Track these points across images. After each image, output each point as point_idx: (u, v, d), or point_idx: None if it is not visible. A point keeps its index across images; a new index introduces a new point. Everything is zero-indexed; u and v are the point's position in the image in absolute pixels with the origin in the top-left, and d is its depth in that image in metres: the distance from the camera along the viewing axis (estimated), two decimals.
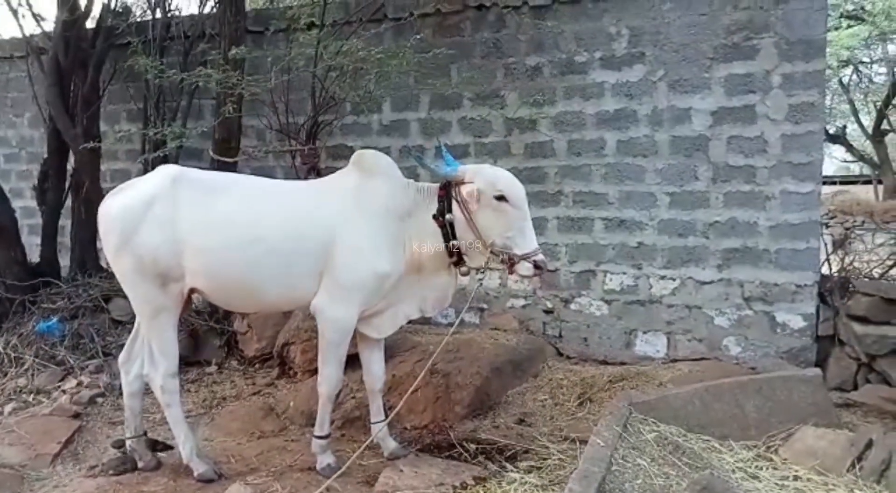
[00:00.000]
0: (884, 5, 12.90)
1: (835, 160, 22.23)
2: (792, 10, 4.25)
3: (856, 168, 21.32)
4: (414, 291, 3.23)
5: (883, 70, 14.63)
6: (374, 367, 3.32)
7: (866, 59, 14.51)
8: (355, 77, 4.35)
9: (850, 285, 4.35)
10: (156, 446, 3.28)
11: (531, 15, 4.80)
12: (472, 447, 3.54)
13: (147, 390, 3.18)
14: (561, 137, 4.91)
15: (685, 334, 4.69)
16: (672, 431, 3.26)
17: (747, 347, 4.53)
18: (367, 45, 4.08)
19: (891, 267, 4.61)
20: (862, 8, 12.74)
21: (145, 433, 3.26)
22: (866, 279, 4.33)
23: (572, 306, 5.00)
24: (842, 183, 19.08)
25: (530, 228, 2.95)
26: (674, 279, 4.69)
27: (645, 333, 4.80)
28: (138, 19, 5.76)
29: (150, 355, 3.05)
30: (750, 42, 4.36)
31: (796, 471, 2.94)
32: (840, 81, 15.90)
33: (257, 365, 4.53)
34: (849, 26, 13.41)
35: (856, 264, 4.73)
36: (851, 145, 17.08)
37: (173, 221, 2.90)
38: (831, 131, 17.00)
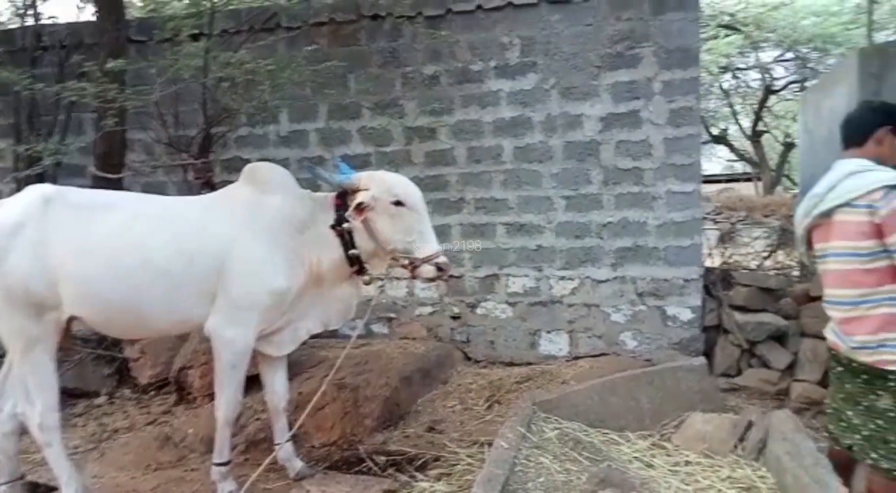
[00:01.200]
0: (755, 16, 14.02)
1: (721, 160, 23.86)
2: (668, 20, 4.53)
3: (740, 167, 23.00)
4: (316, 304, 3.17)
5: (757, 75, 15.85)
6: (277, 386, 3.23)
7: (742, 66, 15.65)
8: (247, 88, 4.22)
9: (731, 278, 4.68)
10: (36, 489, 3.03)
11: (426, 24, 4.85)
12: (382, 459, 3.52)
13: (24, 430, 2.94)
14: (460, 144, 4.98)
15: (585, 331, 4.88)
16: (574, 427, 3.38)
17: (642, 340, 4.77)
18: (259, 56, 3.98)
19: (765, 259, 4.99)
20: (732, 16, 13.75)
21: (22, 476, 3.01)
22: (745, 271, 4.66)
23: (478, 311, 5.08)
24: (727, 181, 20.52)
25: (430, 231, 2.95)
26: (572, 279, 4.87)
27: (548, 332, 4.95)
28: (6, 27, 5.34)
29: (24, 391, 2.81)
30: (632, 51, 4.61)
31: (687, 456, 3.12)
32: (721, 87, 17.09)
33: (153, 392, 4.28)
34: (726, 35, 14.47)
35: (736, 258, 5.09)
36: (733, 146, 18.36)
37: (46, 246, 2.70)
38: (715, 133, 18.28)
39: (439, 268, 2.89)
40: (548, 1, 4.66)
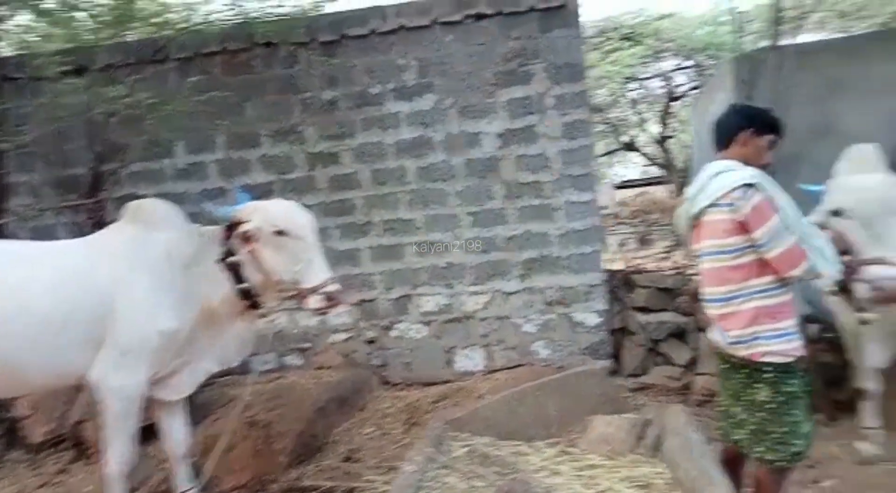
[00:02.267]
0: (653, 28, 14.75)
1: (637, 165, 24.84)
2: (555, 38, 4.71)
3: (655, 171, 24.02)
4: (212, 342, 3.08)
5: (661, 83, 16.63)
6: (175, 431, 3.10)
7: (646, 75, 16.38)
8: (134, 122, 4.09)
9: (633, 281, 4.87)
10: None
11: (321, 51, 4.85)
12: None
13: None
14: (364, 167, 4.99)
15: (499, 344, 4.95)
16: (484, 441, 3.41)
17: (554, 348, 4.88)
18: (149, 88, 3.87)
19: (662, 260, 5.23)
20: (632, 28, 14.42)
21: None
22: (644, 273, 4.86)
23: (393, 333, 5.07)
24: (644, 185, 21.37)
25: (320, 259, 2.91)
26: (484, 294, 4.94)
27: (463, 349, 4.99)
28: None
29: None
30: (524, 68, 4.76)
31: (591, 459, 3.20)
32: (628, 96, 17.84)
33: (47, 451, 4.02)
34: (629, 47, 15.15)
35: (639, 260, 5.30)
36: (644, 152, 19.15)
37: None
38: (625, 141, 19.05)
39: (330, 298, 2.86)
40: (440, 23, 4.75)
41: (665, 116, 16.54)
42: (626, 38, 15.20)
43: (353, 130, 4.95)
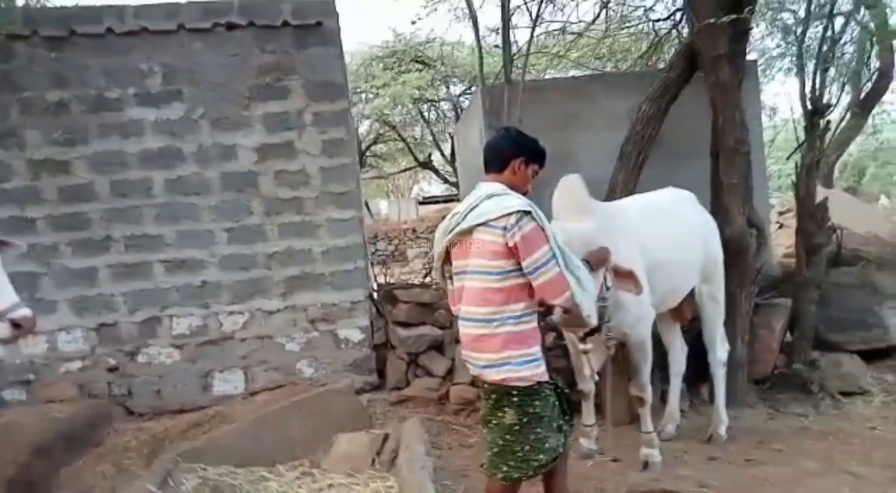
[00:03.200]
0: (441, 53, 15.55)
1: (439, 182, 25.86)
2: (313, 55, 4.69)
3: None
4: None
5: (450, 106, 17.56)
6: None
7: (435, 98, 17.21)
8: None
9: (395, 296, 4.98)
10: None
11: (47, 47, 4.29)
12: None
13: None
14: (102, 178, 4.51)
15: (261, 364, 4.76)
16: (220, 472, 3.23)
17: (318, 366, 4.82)
18: None
19: (425, 276, 5.43)
20: (421, 52, 15.07)
21: None
22: (405, 289, 4.99)
23: (140, 358, 4.63)
24: (445, 201, 22.31)
25: (1, 281, 2.54)
26: (243, 313, 4.72)
27: (221, 372, 4.72)
28: None
29: None
30: (281, 83, 4.66)
31: (332, 479, 3.18)
32: (422, 116, 18.60)
33: None
34: (418, 70, 15.80)
35: (403, 276, 5.45)
36: (437, 170, 20.04)
37: None
38: (421, 159, 19.82)
39: (16, 324, 2.49)
40: (188, 29, 4.48)
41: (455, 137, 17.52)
42: (417, 60, 15.89)
43: (86, 137, 4.46)
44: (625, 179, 4.47)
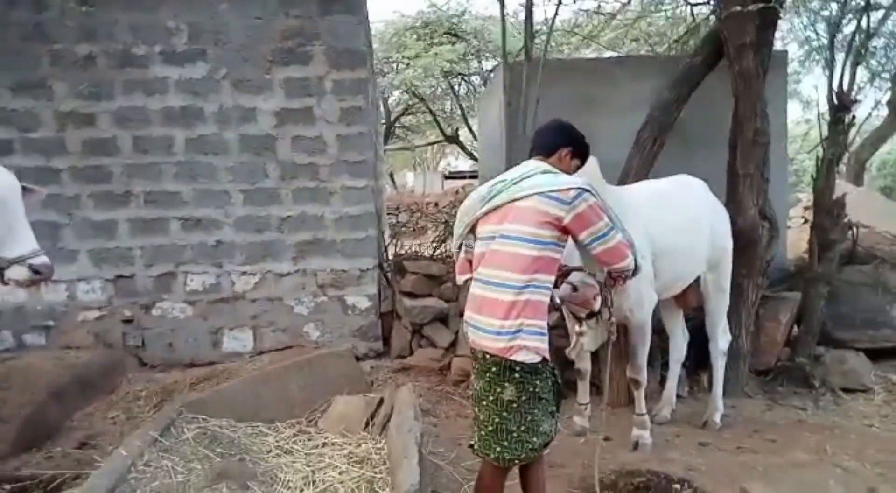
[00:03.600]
0: (474, 27, 15.36)
1: (466, 157, 25.76)
2: (336, 22, 4.70)
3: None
4: None
5: (481, 81, 17.39)
6: None
7: (466, 72, 17.05)
8: None
9: (404, 266, 5.06)
10: None
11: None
12: (8, 487, 3.13)
13: None
14: (125, 133, 4.62)
15: (269, 326, 4.88)
16: (222, 424, 3.35)
17: (325, 330, 4.92)
18: None
19: (436, 248, 5.48)
20: (454, 25, 14.90)
21: None
22: (413, 260, 5.06)
23: (154, 312, 4.78)
24: (471, 177, 22.27)
25: (23, 227, 2.64)
26: (254, 274, 4.83)
27: (231, 330, 4.85)
28: None
29: None
30: (303, 48, 4.69)
31: (326, 438, 3.29)
32: (452, 89, 18.47)
33: None
34: (451, 43, 15.64)
35: (415, 247, 5.51)
36: (463, 145, 19.94)
37: None
38: (449, 133, 19.72)
39: (35, 270, 2.61)
40: None
41: None
42: (450, 33, 15.73)
43: (112, 92, 4.55)
44: (639, 165, 4.44)
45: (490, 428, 2.26)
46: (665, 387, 4.16)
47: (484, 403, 2.29)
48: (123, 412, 4.21)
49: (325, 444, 3.24)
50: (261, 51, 4.64)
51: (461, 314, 4.93)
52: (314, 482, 2.79)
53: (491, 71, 16.71)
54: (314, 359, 3.68)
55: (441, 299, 4.95)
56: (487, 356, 2.26)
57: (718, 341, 4.03)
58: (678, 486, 3.34)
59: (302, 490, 2.72)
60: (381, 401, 3.38)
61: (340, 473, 2.83)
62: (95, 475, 2.56)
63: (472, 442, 2.37)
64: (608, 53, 11.58)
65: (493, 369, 2.25)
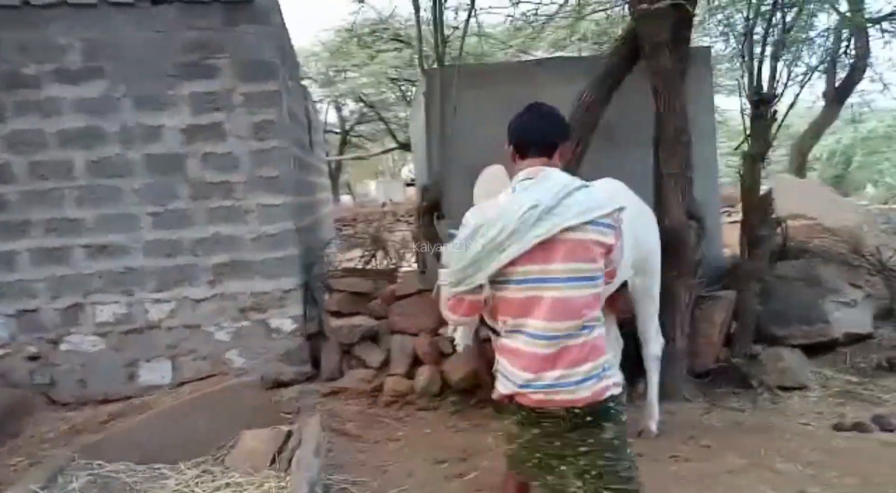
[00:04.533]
0: (415, 32, 15.23)
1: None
2: (242, 33, 4.49)
3: None
4: None
5: None
6: None
7: (414, 78, 16.89)
8: None
9: (330, 284, 4.86)
10: None
11: None
12: None
13: None
14: (20, 159, 4.33)
15: (189, 354, 4.63)
16: (118, 468, 3.11)
17: (249, 356, 4.69)
18: None
19: (367, 262, 5.30)
20: (399, 31, 14.77)
21: None
22: (340, 277, 4.86)
23: (62, 347, 4.49)
24: None
25: None
26: (169, 301, 4.58)
27: (148, 361, 4.59)
28: None
29: None
30: (209, 61, 4.47)
31: (230, 477, 3.07)
32: (404, 96, 18.31)
33: None
34: (395, 49, 15.50)
35: (345, 262, 5.31)
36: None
37: None
38: (402, 140, 19.56)
39: None
40: (109, 2, 4.27)
41: None
42: (395, 39, 15.59)
43: (3, 114, 4.26)
44: (563, 168, 4.32)
45: (594, 473, 1.90)
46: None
47: (576, 454, 1.92)
48: (27, 457, 3.91)
49: (228, 484, 3.01)
50: (163, 66, 4.41)
51: (392, 331, 4.77)
52: None
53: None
54: (221, 391, 3.46)
55: (371, 317, 4.76)
56: (577, 410, 1.91)
57: (651, 346, 3.92)
58: None
59: None
60: (290, 434, 3.17)
61: None
62: None
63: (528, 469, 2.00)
64: (558, 54, 11.60)
65: (588, 417, 1.91)
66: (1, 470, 3.82)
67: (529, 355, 1.90)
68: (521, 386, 1.90)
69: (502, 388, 1.96)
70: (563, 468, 1.93)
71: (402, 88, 17.58)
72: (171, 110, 4.44)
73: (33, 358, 4.46)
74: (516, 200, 1.90)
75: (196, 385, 4.53)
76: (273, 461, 3.09)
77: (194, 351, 4.63)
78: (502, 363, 1.98)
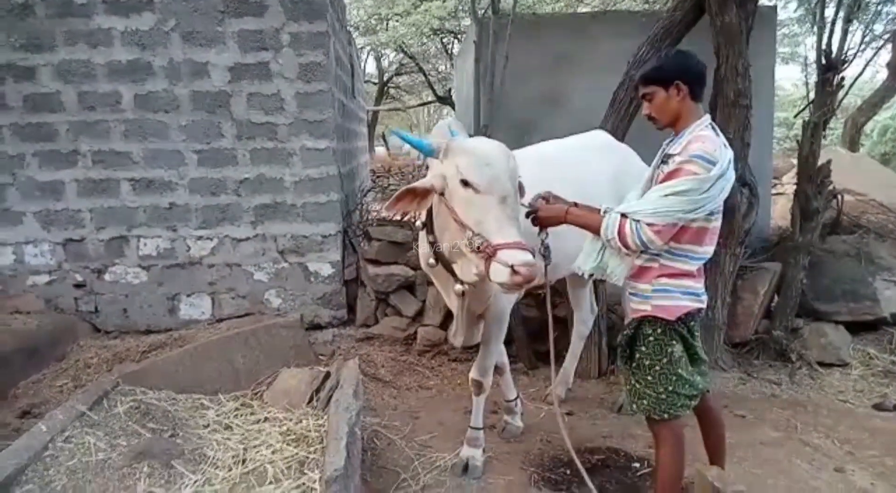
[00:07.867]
0: None
1: None
2: None
3: None
4: None
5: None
6: None
7: (457, 30, 16.48)
8: None
9: (369, 233, 4.84)
10: None
11: None
12: None
13: None
14: (69, 88, 4.34)
15: (228, 292, 4.70)
16: (161, 396, 3.18)
17: (286, 297, 4.74)
18: None
19: (405, 214, 5.23)
20: None
21: None
22: (378, 226, 4.82)
23: (107, 277, 4.58)
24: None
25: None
26: (211, 239, 4.62)
27: (188, 296, 4.67)
28: None
29: None
30: None
31: (269, 412, 3.13)
32: (445, 48, 17.91)
33: None
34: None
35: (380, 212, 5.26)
36: (455, 106, 19.44)
37: None
38: (441, 94, 19.25)
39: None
40: None
41: None
42: None
43: (53, 43, 4.26)
44: (614, 127, 4.19)
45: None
46: (562, 364, 3.82)
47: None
48: (72, 380, 4.06)
49: (266, 418, 3.07)
50: (212, 1, 4.33)
51: (428, 283, 4.76)
52: (245, 460, 2.63)
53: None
54: (260, 329, 3.50)
55: (407, 267, 4.74)
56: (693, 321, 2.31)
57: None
58: (637, 465, 3.21)
59: (230, 470, 2.56)
60: (328, 375, 3.21)
61: (273, 452, 2.67)
62: (5, 453, 2.40)
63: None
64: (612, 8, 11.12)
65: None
66: (47, 391, 3.97)
67: (700, 273, 2.26)
68: (702, 295, 2.25)
69: (689, 302, 2.22)
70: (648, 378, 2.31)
71: (444, 40, 17.16)
72: (218, 47, 4.39)
73: (79, 286, 4.57)
74: (728, 151, 2.11)
75: (235, 322, 4.61)
76: (310, 400, 3.14)
77: (233, 289, 4.70)
78: (684, 283, 2.22)
